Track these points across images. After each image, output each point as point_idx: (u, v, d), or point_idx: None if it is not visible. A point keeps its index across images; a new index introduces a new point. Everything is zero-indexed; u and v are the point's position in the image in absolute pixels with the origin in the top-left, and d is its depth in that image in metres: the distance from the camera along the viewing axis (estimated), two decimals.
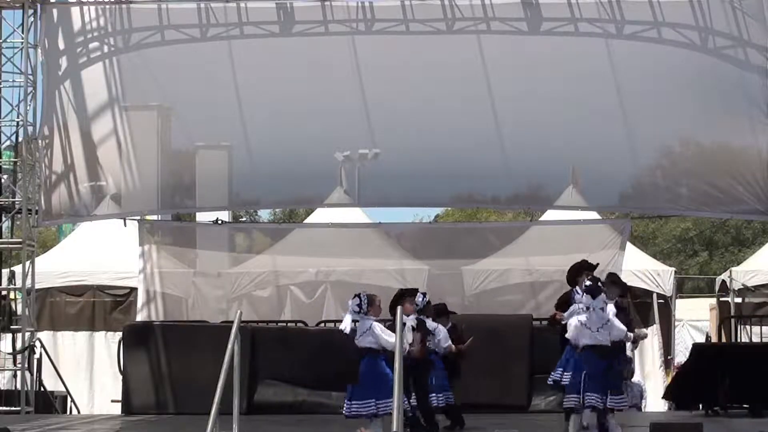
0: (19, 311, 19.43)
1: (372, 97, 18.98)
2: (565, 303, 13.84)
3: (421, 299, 14.11)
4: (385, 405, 12.73)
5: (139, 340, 18.16)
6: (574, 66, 18.87)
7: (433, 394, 14.21)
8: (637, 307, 22.17)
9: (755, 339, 20.99)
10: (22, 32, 19.10)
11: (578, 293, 13.86)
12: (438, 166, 18.82)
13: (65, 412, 19.95)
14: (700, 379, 16.64)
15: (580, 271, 14.27)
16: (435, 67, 18.96)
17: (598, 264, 14.42)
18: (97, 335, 21.99)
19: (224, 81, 19.17)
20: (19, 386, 18.54)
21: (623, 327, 13.15)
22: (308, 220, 24.34)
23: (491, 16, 18.91)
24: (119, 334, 19.29)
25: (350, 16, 19.09)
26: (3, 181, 19.76)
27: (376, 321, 13.26)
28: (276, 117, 19.16)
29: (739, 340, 20.72)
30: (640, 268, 22.22)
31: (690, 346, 18.78)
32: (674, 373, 19.14)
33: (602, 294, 12.94)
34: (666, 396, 18.10)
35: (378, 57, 19.07)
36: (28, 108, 19.08)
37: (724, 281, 23.79)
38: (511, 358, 17.69)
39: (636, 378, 19.87)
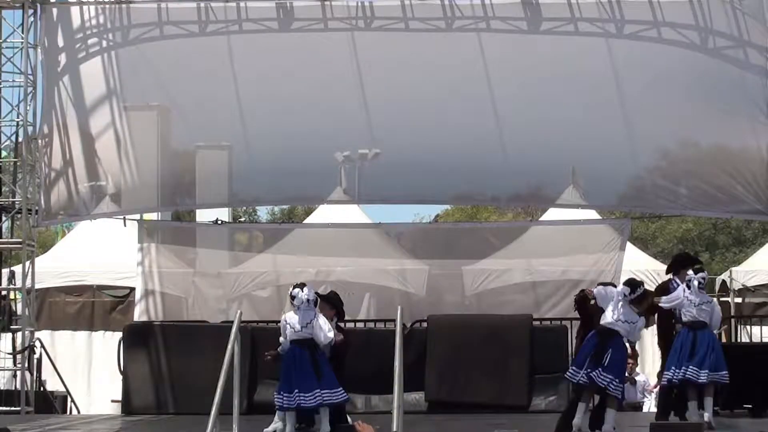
0: (19, 311, 19.43)
1: (372, 95, 18.97)
2: (663, 291, 14.34)
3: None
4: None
5: (139, 340, 18.15)
6: (574, 65, 18.86)
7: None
8: None
9: (755, 339, 21.00)
10: (22, 32, 19.09)
11: (676, 283, 14.22)
12: (438, 164, 18.80)
13: (65, 412, 19.95)
14: None
15: (685, 263, 14.60)
16: (435, 65, 18.95)
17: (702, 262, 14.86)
18: (95, 335, 21.99)
19: (224, 80, 19.16)
20: (19, 386, 18.54)
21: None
22: (308, 221, 24.35)
23: (491, 15, 18.91)
24: (117, 334, 19.28)
25: (350, 15, 19.10)
26: (3, 181, 19.77)
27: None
28: (276, 116, 19.15)
29: (739, 340, 20.72)
30: (640, 268, 22.22)
31: None
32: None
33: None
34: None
35: (378, 56, 19.06)
36: (28, 108, 19.06)
37: (724, 281, 23.81)
38: (511, 357, 17.69)
39: (641, 377, 19.88)
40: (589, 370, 12.91)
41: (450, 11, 18.94)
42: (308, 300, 13.47)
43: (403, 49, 19.03)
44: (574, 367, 13.16)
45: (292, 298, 13.54)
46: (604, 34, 18.80)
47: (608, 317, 13.12)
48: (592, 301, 13.55)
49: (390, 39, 19.10)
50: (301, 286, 13.64)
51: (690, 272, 14.29)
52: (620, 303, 13.06)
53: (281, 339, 13.70)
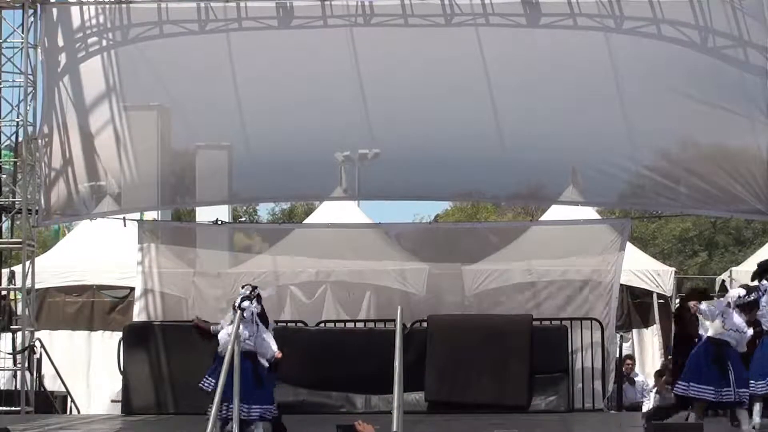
0: (19, 311, 19.42)
1: (371, 94, 18.97)
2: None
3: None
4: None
5: (139, 340, 18.17)
6: (574, 65, 18.86)
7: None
8: (637, 307, 22.21)
9: None
10: (22, 32, 19.10)
11: (763, 289, 14.26)
12: (437, 161, 18.80)
13: (65, 412, 19.94)
14: None
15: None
16: (434, 63, 18.95)
17: None
18: (94, 335, 21.95)
19: (224, 80, 19.16)
20: (19, 386, 18.54)
21: None
22: (308, 221, 24.33)
23: (490, 12, 18.91)
24: (117, 334, 19.29)
25: (349, 13, 19.10)
26: (3, 181, 19.76)
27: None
28: (276, 115, 19.15)
29: None
30: (640, 268, 22.22)
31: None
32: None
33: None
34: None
35: (377, 53, 19.07)
36: (28, 108, 19.07)
37: (723, 281, 23.78)
38: (511, 358, 17.70)
39: (639, 378, 19.88)
40: (724, 391, 13.13)
41: (449, 9, 18.94)
42: (255, 313, 13.39)
43: (402, 46, 19.03)
44: (701, 386, 13.25)
45: (242, 310, 13.29)
46: (603, 28, 18.79)
47: (717, 328, 13.22)
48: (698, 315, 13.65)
49: (389, 36, 19.09)
50: (249, 298, 13.47)
51: (764, 281, 14.39)
52: (730, 312, 13.17)
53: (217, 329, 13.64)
